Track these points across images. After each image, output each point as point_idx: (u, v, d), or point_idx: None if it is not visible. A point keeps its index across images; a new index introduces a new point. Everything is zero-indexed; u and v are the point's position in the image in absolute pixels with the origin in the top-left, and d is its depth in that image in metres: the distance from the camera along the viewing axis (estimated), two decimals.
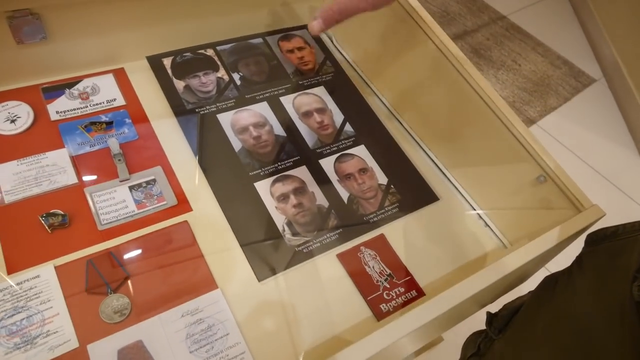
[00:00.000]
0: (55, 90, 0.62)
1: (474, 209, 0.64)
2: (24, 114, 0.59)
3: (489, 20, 2.23)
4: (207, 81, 0.66)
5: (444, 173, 0.67)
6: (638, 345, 0.40)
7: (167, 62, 0.67)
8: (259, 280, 0.52)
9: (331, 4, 0.48)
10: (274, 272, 0.53)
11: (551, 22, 2.29)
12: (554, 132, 1.81)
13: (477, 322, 0.67)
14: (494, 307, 0.62)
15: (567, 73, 2.04)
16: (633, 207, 1.64)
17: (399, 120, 0.71)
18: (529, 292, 0.60)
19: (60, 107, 0.61)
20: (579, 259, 0.53)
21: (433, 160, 0.68)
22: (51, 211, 0.52)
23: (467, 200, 0.64)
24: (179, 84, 0.65)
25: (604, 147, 1.80)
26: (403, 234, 0.60)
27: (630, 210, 1.63)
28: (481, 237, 0.61)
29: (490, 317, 0.63)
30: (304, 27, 0.77)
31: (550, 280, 0.56)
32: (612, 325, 0.43)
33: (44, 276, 0.48)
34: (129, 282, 0.49)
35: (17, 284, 0.47)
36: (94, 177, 0.56)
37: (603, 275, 0.47)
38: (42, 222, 0.51)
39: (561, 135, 1.80)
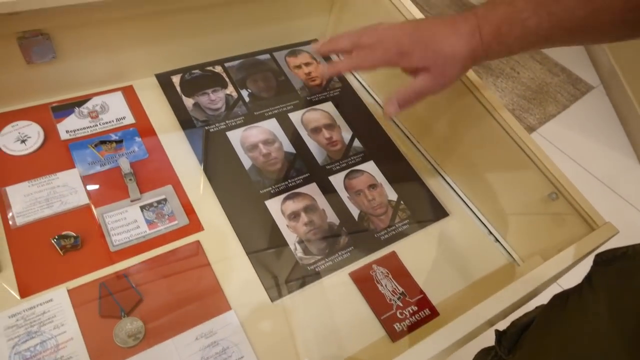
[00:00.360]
0: (64, 109, 0.62)
1: (484, 225, 0.63)
2: (34, 133, 0.58)
3: None
4: (215, 98, 0.66)
5: (453, 188, 0.66)
6: None
7: (176, 79, 0.66)
8: (272, 300, 0.51)
9: (406, 88, 0.48)
10: (287, 292, 0.52)
11: None
12: (553, 139, 1.81)
13: (483, 337, 0.66)
14: (502, 323, 0.61)
15: (565, 80, 2.04)
16: (633, 213, 1.64)
17: (407, 136, 0.71)
18: (536, 308, 0.59)
19: (70, 126, 0.60)
20: (588, 278, 0.52)
21: (442, 176, 0.67)
22: (63, 233, 0.51)
23: (476, 215, 0.64)
24: (188, 102, 0.65)
25: (603, 154, 1.80)
26: (414, 250, 0.59)
27: (631, 216, 1.63)
28: (492, 253, 0.61)
29: (499, 335, 0.62)
30: (311, 42, 0.77)
31: (560, 299, 0.55)
32: (631, 348, 0.42)
33: (57, 300, 0.47)
34: (142, 304, 0.49)
35: (30, 309, 0.46)
36: (105, 197, 0.55)
37: (617, 297, 0.46)
38: (55, 244, 0.50)
39: (561, 143, 1.80)
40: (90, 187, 0.56)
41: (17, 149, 0.56)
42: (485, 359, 0.63)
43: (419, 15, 0.64)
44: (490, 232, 0.63)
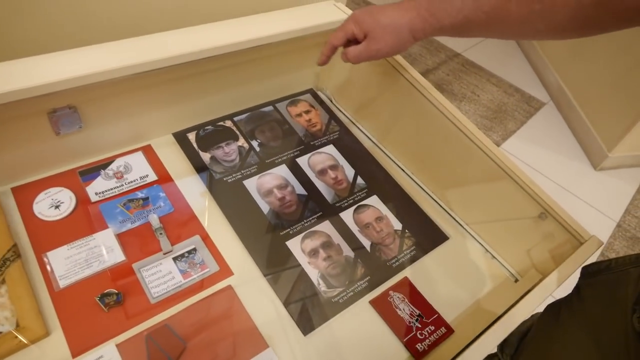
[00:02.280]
0: (91, 172, 0.63)
1: (480, 244, 0.66)
2: (67, 198, 0.59)
3: (446, 58, 2.33)
4: (229, 151, 0.68)
5: (449, 213, 0.69)
6: None
7: (191, 136, 0.68)
8: (305, 334, 0.53)
9: (355, 47, 0.56)
10: (316, 325, 0.53)
11: (499, 55, 2.41)
12: (516, 153, 1.89)
13: None
14: None
15: (519, 99, 2.14)
16: (594, 213, 1.71)
17: (402, 169, 0.74)
18: (532, 316, 0.61)
19: (98, 188, 0.61)
20: (577, 289, 0.54)
21: (438, 203, 0.70)
22: (106, 291, 0.51)
23: (473, 236, 0.67)
24: (205, 156, 0.66)
25: (561, 162, 1.89)
26: (423, 274, 0.61)
27: (592, 216, 1.70)
28: (491, 270, 0.64)
29: (501, 343, 0.64)
30: (308, 91, 0.80)
31: (553, 308, 0.58)
32: (616, 354, 0.44)
33: (107, 355, 0.47)
34: (186, 351, 0.49)
35: None
36: (139, 253, 0.56)
37: (603, 307, 0.49)
38: (99, 302, 0.50)
39: (523, 155, 1.88)
40: (125, 245, 0.56)
41: (52, 215, 0.57)
42: None
43: (402, 60, 0.68)
44: (487, 250, 0.66)
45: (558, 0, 0.42)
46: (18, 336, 0.45)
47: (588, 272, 0.53)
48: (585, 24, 0.43)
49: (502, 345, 0.64)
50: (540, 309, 0.60)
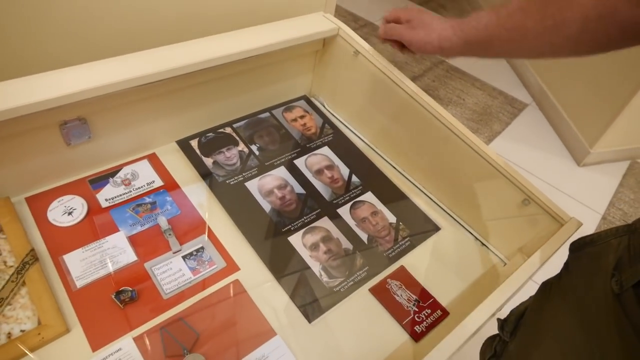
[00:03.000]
0: (100, 180, 0.65)
1: (470, 233, 0.69)
2: (79, 205, 0.61)
3: (431, 65, 2.38)
4: (230, 155, 0.70)
5: (439, 205, 0.72)
6: (623, 328, 0.44)
7: (194, 143, 0.71)
8: (310, 321, 0.55)
9: (397, 27, 0.64)
10: (320, 312, 0.56)
11: (482, 60, 2.46)
12: (503, 152, 1.93)
13: (489, 326, 0.71)
14: (502, 312, 0.66)
15: (503, 101, 2.19)
16: (580, 208, 1.75)
17: (394, 167, 0.77)
18: (530, 297, 0.64)
19: (108, 195, 0.63)
20: (566, 264, 0.57)
21: (428, 196, 0.73)
22: (121, 289, 0.53)
23: (463, 225, 0.70)
24: (208, 161, 0.69)
25: (546, 160, 1.93)
26: (418, 262, 0.64)
27: (578, 210, 1.74)
28: (481, 256, 0.67)
29: (502, 322, 0.67)
30: (302, 97, 0.83)
31: (546, 285, 0.61)
32: (600, 315, 0.47)
33: (125, 348, 0.49)
34: (199, 341, 0.51)
35: (104, 359, 0.48)
36: (150, 253, 0.58)
37: (588, 276, 0.52)
38: (115, 299, 0.52)
39: (509, 155, 1.92)
40: (136, 246, 0.58)
41: (65, 221, 0.59)
42: (492, 344, 0.68)
43: (390, 66, 0.71)
44: (477, 238, 0.69)
45: (567, 15, 0.46)
46: (41, 333, 0.47)
47: (575, 247, 0.56)
48: (595, 37, 0.46)
49: (502, 325, 0.66)
50: (533, 290, 0.63)
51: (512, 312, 0.64)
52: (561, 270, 0.58)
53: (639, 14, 0.42)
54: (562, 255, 0.58)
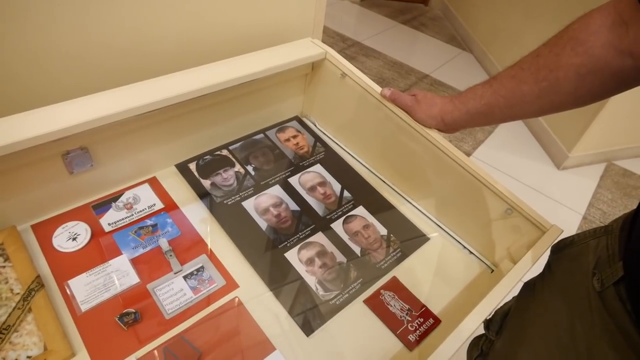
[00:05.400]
0: (103, 205, 0.64)
1: (458, 241, 0.69)
2: (82, 231, 0.60)
3: (416, 79, 2.40)
4: (227, 176, 0.70)
5: (427, 217, 0.72)
6: (605, 322, 0.44)
7: (192, 166, 0.70)
8: (307, 335, 0.54)
9: (401, 95, 0.68)
10: (317, 326, 0.55)
11: (463, 73, 2.49)
12: (487, 160, 1.93)
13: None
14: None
15: None
16: (562, 209, 1.75)
17: (384, 181, 0.77)
18: (513, 298, 0.64)
19: (110, 219, 0.63)
20: (548, 265, 0.57)
21: (417, 208, 0.73)
22: (124, 311, 0.52)
23: (451, 235, 0.69)
24: (206, 183, 0.68)
25: (527, 165, 1.94)
26: (410, 272, 0.63)
27: (560, 211, 1.74)
28: (469, 264, 0.66)
29: (487, 322, 0.66)
30: (294, 118, 0.83)
31: (529, 285, 0.60)
32: (582, 312, 0.47)
33: None
34: (201, 359, 0.50)
35: None
36: (152, 274, 0.57)
37: (569, 274, 0.52)
38: (118, 322, 0.51)
39: (493, 161, 1.93)
40: (139, 268, 0.57)
41: (70, 246, 0.58)
42: (478, 344, 0.67)
43: (374, 85, 0.71)
44: (464, 247, 0.68)
45: (560, 74, 0.46)
46: (47, 359, 0.46)
47: (556, 248, 0.56)
48: (591, 89, 0.45)
49: (488, 325, 0.66)
50: (516, 292, 0.63)
51: (496, 312, 0.63)
52: (544, 270, 0.58)
53: (630, 63, 0.42)
54: (543, 259, 0.58)
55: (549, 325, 0.52)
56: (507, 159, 1.95)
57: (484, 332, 0.68)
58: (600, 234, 0.50)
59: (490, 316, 0.65)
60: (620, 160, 2.04)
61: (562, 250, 0.55)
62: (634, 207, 0.45)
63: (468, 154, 1.94)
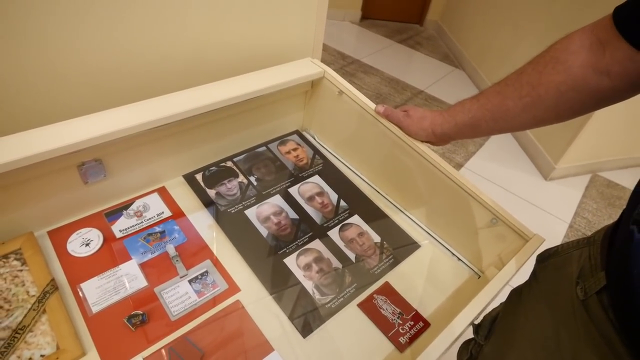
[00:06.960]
0: (115, 213, 0.65)
1: (447, 249, 0.69)
2: (95, 237, 0.61)
3: (411, 95, 2.42)
4: (231, 186, 0.71)
5: (419, 225, 0.72)
6: (589, 329, 0.44)
7: (198, 176, 0.71)
8: (304, 337, 0.54)
9: (394, 111, 0.69)
10: (314, 328, 0.55)
11: (455, 89, 2.51)
12: (478, 171, 1.94)
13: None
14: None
15: None
16: (549, 218, 1.75)
17: (378, 192, 0.78)
18: (501, 304, 0.64)
19: (121, 226, 0.63)
20: (534, 273, 0.58)
21: (409, 217, 0.73)
22: (132, 313, 0.53)
23: (440, 243, 0.70)
24: (211, 192, 0.69)
25: (516, 176, 1.94)
26: (402, 278, 0.64)
27: (547, 220, 1.74)
28: (458, 270, 0.67)
29: (476, 327, 0.66)
30: (294, 132, 0.84)
31: (516, 291, 0.61)
32: (567, 319, 0.47)
33: None
34: (204, 358, 0.51)
35: None
36: (159, 278, 0.58)
37: (554, 283, 0.52)
38: (127, 323, 0.52)
39: (484, 172, 1.93)
40: (147, 272, 0.58)
41: (83, 252, 0.59)
42: (467, 348, 0.67)
43: (369, 102, 0.72)
44: (453, 254, 0.69)
45: (542, 90, 0.47)
46: (59, 358, 0.47)
47: (542, 258, 0.56)
48: (571, 105, 0.47)
49: (477, 329, 0.66)
50: (503, 298, 0.63)
51: (485, 317, 0.64)
52: (530, 278, 0.58)
53: (607, 82, 0.43)
54: (528, 266, 0.58)
55: (536, 331, 0.52)
56: (498, 170, 1.96)
57: (473, 336, 0.68)
58: (584, 245, 0.50)
59: (479, 321, 0.66)
60: (604, 172, 2.04)
61: (547, 259, 0.55)
62: (618, 216, 0.45)
63: (460, 165, 1.94)
